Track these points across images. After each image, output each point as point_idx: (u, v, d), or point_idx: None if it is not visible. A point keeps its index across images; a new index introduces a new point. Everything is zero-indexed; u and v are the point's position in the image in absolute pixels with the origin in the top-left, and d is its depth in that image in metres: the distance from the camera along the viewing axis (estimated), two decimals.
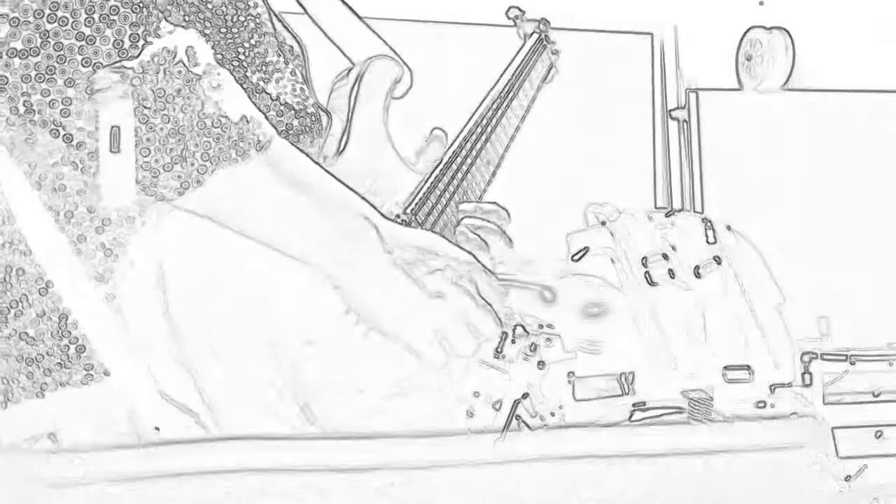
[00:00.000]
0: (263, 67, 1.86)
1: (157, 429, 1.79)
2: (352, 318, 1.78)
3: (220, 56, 1.79)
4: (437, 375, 1.81)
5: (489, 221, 1.94)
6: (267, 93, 1.86)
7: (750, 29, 2.13)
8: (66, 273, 1.74)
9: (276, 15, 1.93)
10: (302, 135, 1.89)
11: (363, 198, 1.80)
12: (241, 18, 1.84)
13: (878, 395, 1.94)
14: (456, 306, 1.78)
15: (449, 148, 1.97)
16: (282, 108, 1.86)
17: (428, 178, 1.91)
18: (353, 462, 1.82)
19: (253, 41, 1.85)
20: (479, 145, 1.99)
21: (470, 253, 1.83)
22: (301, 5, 1.98)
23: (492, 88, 2.04)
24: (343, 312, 1.78)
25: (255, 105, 1.76)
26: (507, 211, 1.98)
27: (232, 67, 1.80)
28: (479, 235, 1.92)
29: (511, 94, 2.05)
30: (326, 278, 1.76)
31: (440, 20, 2.07)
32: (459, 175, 1.95)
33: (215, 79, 1.72)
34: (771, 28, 2.12)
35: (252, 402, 1.79)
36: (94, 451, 1.79)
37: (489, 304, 1.80)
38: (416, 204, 1.86)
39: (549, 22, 2.09)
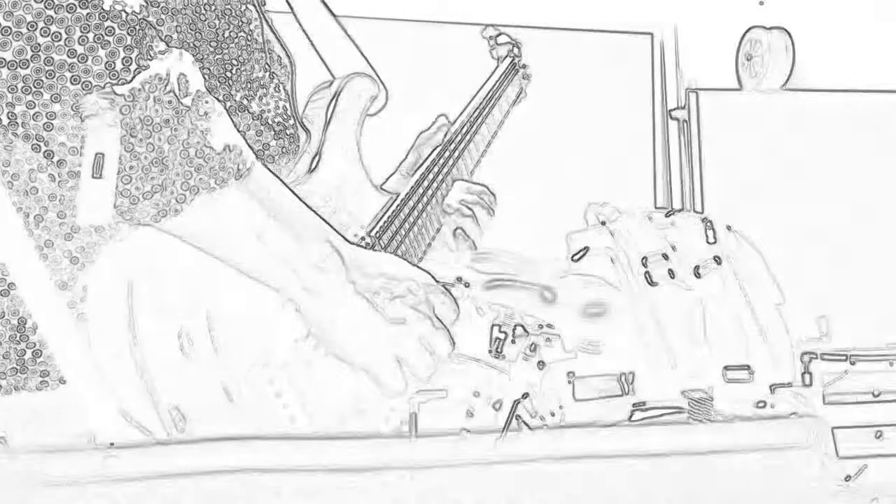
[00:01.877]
0: (248, 85, 1.85)
1: (111, 444, 1.79)
2: (311, 342, 1.78)
3: (206, 70, 1.78)
4: (393, 399, 1.82)
5: (480, 199, 1.97)
6: (249, 112, 1.85)
7: (750, 29, 2.13)
8: (30, 277, 1.74)
9: (268, 23, 1.93)
10: (279, 156, 1.89)
11: (331, 225, 1.80)
12: (234, 34, 1.83)
13: (878, 395, 1.94)
14: (416, 332, 1.79)
15: (416, 170, 1.98)
16: (261, 127, 1.86)
17: (394, 202, 1.91)
18: (351, 462, 1.82)
19: (242, 58, 1.84)
20: (446, 169, 2.00)
21: (428, 273, 1.84)
22: (291, 10, 1.98)
23: (462, 112, 2.05)
24: (303, 336, 1.78)
25: (236, 125, 1.75)
26: (492, 193, 2.00)
27: (218, 84, 1.79)
28: (472, 211, 1.95)
29: (481, 118, 2.06)
30: (290, 303, 1.77)
31: (423, 19, 2.07)
32: (425, 199, 1.96)
33: (203, 107, 1.71)
34: (771, 28, 2.12)
35: (207, 423, 1.79)
36: (46, 453, 1.79)
37: (444, 326, 1.81)
38: (381, 227, 1.87)
39: (521, 45, 2.09)
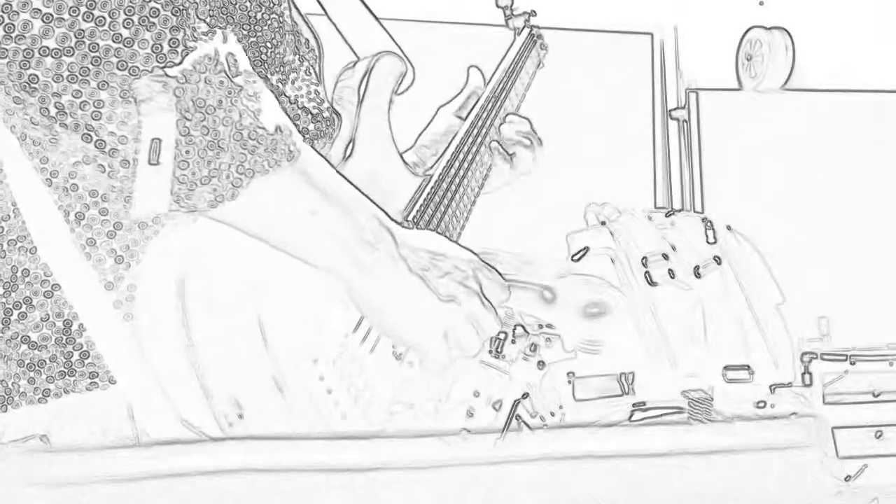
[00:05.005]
0: (282, 68, 1.82)
1: (167, 442, 1.78)
2: (359, 336, 1.78)
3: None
4: (436, 381, 1.81)
5: (521, 135, 1.98)
6: (286, 96, 1.83)
7: (750, 29, 2.13)
8: (74, 277, 1.71)
9: (295, 6, 1.90)
10: (316, 139, 1.87)
11: (378, 205, 1.79)
12: (265, 16, 1.80)
13: (878, 395, 1.94)
14: (466, 308, 1.78)
15: (446, 150, 1.97)
16: (299, 111, 1.83)
17: (427, 184, 1.91)
18: (353, 462, 1.82)
19: (275, 41, 1.80)
20: (475, 148, 1.99)
21: (471, 251, 1.83)
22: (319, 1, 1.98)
23: (486, 88, 2.04)
24: (351, 330, 1.78)
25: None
26: (528, 120, 2.03)
27: (253, 68, 1.76)
28: (505, 148, 1.99)
29: (505, 93, 2.05)
30: (345, 289, 1.76)
31: (436, 20, 2.07)
32: (458, 179, 1.95)
33: (252, 87, 1.68)
34: (771, 28, 2.12)
35: (259, 421, 1.79)
36: (92, 451, 1.78)
37: (491, 303, 1.80)
38: (418, 211, 1.86)
39: (536, 14, 2.09)
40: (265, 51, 1.79)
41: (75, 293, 1.72)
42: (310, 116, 1.85)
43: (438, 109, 2.04)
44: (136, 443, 1.78)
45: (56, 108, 1.62)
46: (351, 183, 1.78)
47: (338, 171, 1.77)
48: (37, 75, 1.61)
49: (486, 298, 1.80)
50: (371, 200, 1.78)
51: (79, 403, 1.75)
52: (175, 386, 1.76)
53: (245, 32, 1.76)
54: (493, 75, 2.05)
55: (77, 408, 1.76)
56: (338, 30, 1.98)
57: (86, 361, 1.72)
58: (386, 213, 1.78)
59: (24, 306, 1.71)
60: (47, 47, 1.60)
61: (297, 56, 1.85)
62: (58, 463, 1.78)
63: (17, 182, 1.69)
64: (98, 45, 1.61)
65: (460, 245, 1.84)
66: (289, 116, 1.73)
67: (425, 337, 1.77)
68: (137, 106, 1.63)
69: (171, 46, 1.63)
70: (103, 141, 1.64)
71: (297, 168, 1.71)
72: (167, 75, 1.63)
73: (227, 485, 1.80)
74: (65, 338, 1.72)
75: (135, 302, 1.73)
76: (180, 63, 1.63)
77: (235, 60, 1.67)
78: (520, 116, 2.05)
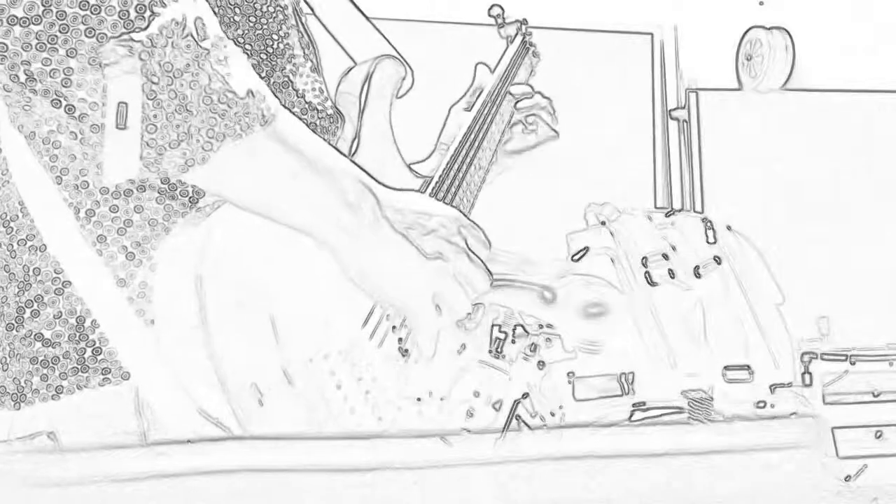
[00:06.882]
0: (292, 60, 1.83)
1: (188, 441, 1.78)
2: (367, 331, 1.78)
3: (249, 47, 1.76)
4: (438, 376, 1.81)
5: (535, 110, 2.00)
6: (294, 89, 1.83)
7: (750, 29, 2.13)
8: (86, 274, 1.72)
9: (296, 9, 1.91)
10: (322, 135, 1.87)
11: (359, 166, 1.78)
12: (270, 9, 1.80)
13: (878, 395, 1.94)
14: (454, 265, 1.77)
15: (447, 155, 1.97)
16: (305, 105, 1.84)
17: (428, 185, 1.91)
18: (354, 462, 1.82)
19: (281, 33, 1.81)
20: (472, 152, 1.99)
21: (456, 208, 1.83)
22: (307, 2, 1.98)
23: (480, 94, 2.04)
24: (360, 326, 1.78)
25: (281, 101, 1.73)
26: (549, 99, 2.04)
27: (261, 60, 1.77)
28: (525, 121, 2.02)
29: (500, 99, 2.05)
30: (331, 253, 1.75)
31: (433, 20, 2.07)
32: (456, 183, 1.95)
33: (222, 51, 1.67)
34: (771, 28, 2.12)
35: (280, 420, 1.79)
36: (95, 451, 1.78)
37: (480, 259, 1.80)
38: None
39: (527, 22, 2.09)
40: (272, 43, 1.80)
41: (87, 290, 1.72)
42: (315, 112, 1.86)
43: (450, 109, 2.04)
44: (143, 441, 1.78)
45: (25, 74, 1.63)
46: (335, 147, 1.78)
47: (321, 137, 1.77)
48: (6, 44, 1.62)
49: (474, 253, 1.79)
50: (355, 163, 1.77)
51: (86, 401, 1.76)
52: (193, 379, 1.76)
53: (251, 24, 1.77)
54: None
55: (85, 405, 1.76)
56: (331, 34, 1.98)
57: (98, 357, 1.73)
58: (368, 174, 1.78)
59: (35, 304, 1.72)
60: (15, 16, 1.61)
61: (302, 53, 1.85)
62: (63, 461, 1.78)
63: (24, 181, 1.70)
64: (65, 12, 1.61)
65: (444, 203, 1.84)
66: (285, 106, 1.73)
67: (413, 297, 1.76)
68: (103, 71, 1.64)
69: (138, 12, 1.63)
70: (73, 107, 1.65)
71: (272, 132, 1.70)
72: (133, 40, 1.63)
73: (231, 484, 1.80)
74: (78, 334, 1.72)
75: (151, 299, 1.73)
76: (147, 28, 1.63)
77: (204, 24, 1.66)
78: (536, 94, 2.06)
